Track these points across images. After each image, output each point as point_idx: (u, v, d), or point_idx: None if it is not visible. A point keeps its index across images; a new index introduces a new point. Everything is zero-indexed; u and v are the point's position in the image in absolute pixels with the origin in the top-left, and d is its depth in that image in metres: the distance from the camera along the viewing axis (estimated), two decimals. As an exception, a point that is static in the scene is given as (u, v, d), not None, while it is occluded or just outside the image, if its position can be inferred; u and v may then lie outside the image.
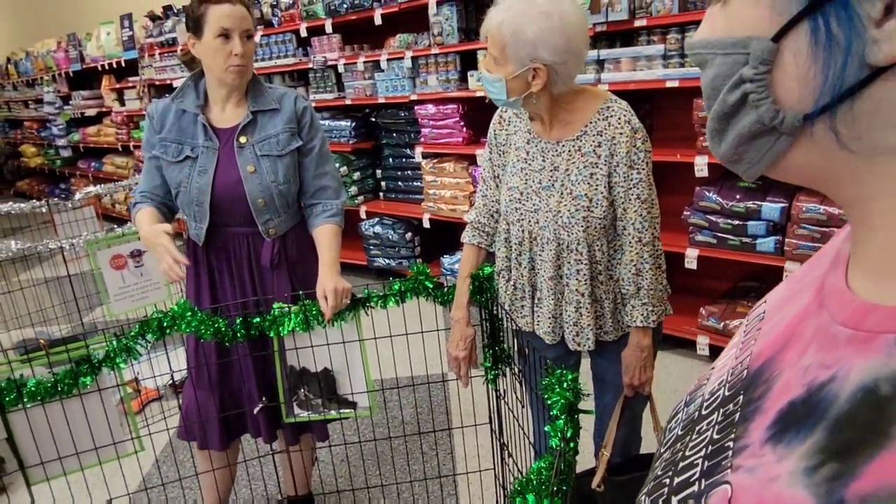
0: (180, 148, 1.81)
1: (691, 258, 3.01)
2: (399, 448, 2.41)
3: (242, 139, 1.81)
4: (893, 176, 0.33)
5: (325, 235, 1.88)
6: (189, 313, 1.72)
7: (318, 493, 2.23)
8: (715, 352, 3.02)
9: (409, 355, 1.92)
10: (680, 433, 0.47)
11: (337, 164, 4.55)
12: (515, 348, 1.73)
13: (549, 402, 1.17)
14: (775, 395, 0.38)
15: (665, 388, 2.84)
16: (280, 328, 1.80)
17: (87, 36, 6.86)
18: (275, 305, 1.80)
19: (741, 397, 0.42)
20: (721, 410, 0.43)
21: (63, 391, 1.62)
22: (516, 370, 1.75)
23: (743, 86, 0.36)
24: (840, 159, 0.34)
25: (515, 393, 1.76)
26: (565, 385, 1.17)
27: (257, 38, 4.73)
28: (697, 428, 0.45)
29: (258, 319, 1.80)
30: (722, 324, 3.01)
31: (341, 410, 1.95)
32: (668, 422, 0.54)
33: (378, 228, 4.55)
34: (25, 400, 1.60)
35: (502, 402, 1.85)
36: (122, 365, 1.66)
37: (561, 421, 1.14)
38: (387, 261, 4.59)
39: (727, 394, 0.44)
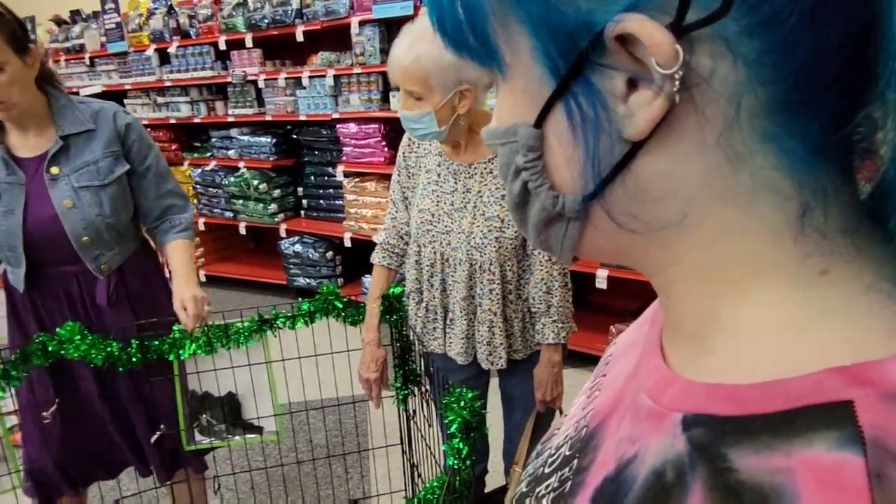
0: None
1: (601, 278, 3.12)
2: (310, 473, 2.35)
3: (54, 170, 1.59)
4: (675, 248, 0.32)
5: (175, 251, 1.76)
6: (78, 336, 1.62)
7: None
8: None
9: (319, 377, 1.89)
10: (524, 490, 0.47)
11: (256, 181, 4.48)
12: (423, 369, 1.73)
13: (446, 420, 1.17)
14: (596, 469, 0.38)
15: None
16: (181, 351, 1.73)
17: None
18: (175, 327, 1.73)
19: (576, 462, 0.41)
20: (559, 474, 0.42)
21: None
22: (425, 390, 1.75)
23: (521, 175, 0.35)
24: (626, 238, 0.33)
25: (424, 413, 1.75)
26: (462, 403, 1.17)
27: (172, 49, 4.58)
28: (538, 491, 0.44)
29: (157, 342, 1.72)
30: (631, 342, 3.12)
31: (247, 436, 1.88)
32: (522, 470, 0.53)
33: (298, 247, 4.47)
34: None
35: (412, 422, 1.84)
36: (1, 393, 1.55)
37: (457, 439, 1.14)
38: (307, 280, 4.50)
39: (567, 454, 0.43)
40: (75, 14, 5.51)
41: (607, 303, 3.47)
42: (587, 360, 3.27)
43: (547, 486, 0.42)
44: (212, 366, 1.77)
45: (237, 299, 4.70)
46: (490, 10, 0.32)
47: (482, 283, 1.58)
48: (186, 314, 1.65)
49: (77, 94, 5.34)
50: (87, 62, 5.25)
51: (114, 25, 4.96)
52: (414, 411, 1.82)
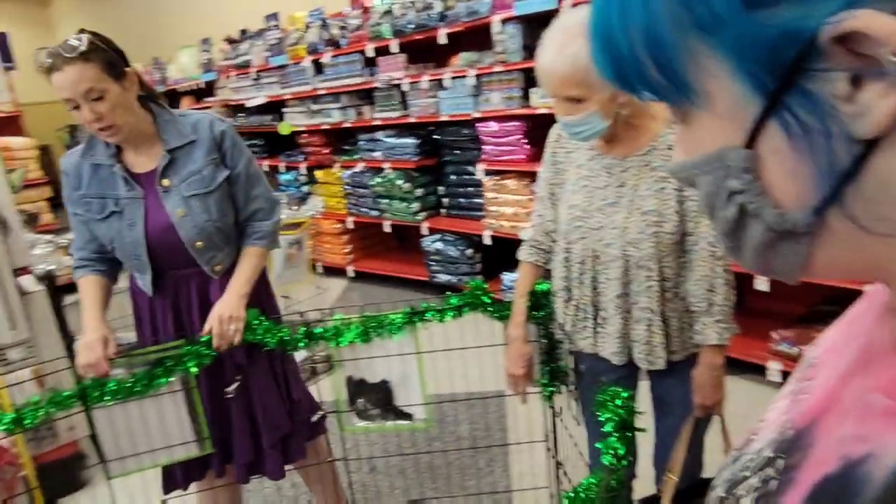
0: (103, 203, 1.70)
1: (762, 280, 2.91)
2: (455, 463, 2.42)
3: (165, 182, 1.70)
4: None
5: (244, 257, 1.82)
6: (256, 321, 1.80)
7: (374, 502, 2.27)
8: (788, 378, 2.89)
9: (466, 370, 1.94)
10: (722, 494, 0.46)
11: (400, 181, 4.68)
12: (571, 366, 1.72)
13: (601, 418, 1.16)
14: (810, 467, 0.36)
15: (733, 415, 2.74)
16: (340, 339, 1.86)
17: (169, 59, 7.28)
18: (335, 316, 1.86)
19: (781, 461, 0.40)
20: (760, 474, 0.41)
21: (140, 391, 1.73)
22: (572, 388, 1.74)
23: (735, 198, 0.34)
24: (872, 244, 0.31)
25: (571, 411, 1.74)
26: (618, 402, 1.16)
27: (325, 59, 4.91)
28: (736, 492, 0.43)
29: (320, 330, 1.86)
30: (796, 349, 2.88)
31: (398, 422, 1.98)
32: (715, 477, 0.53)
33: (440, 244, 4.61)
34: (107, 398, 1.71)
35: (558, 420, 1.84)
36: (193, 369, 1.75)
37: (613, 438, 1.13)
38: (448, 276, 4.63)
39: (769, 454, 0.42)
40: (243, 33, 6.08)
41: (767, 307, 3.23)
42: (743, 368, 3.07)
43: (747, 487, 0.41)
44: (367, 354, 1.89)
45: (382, 294, 4.94)
46: (678, 45, 0.31)
47: (638, 280, 1.54)
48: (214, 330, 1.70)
49: (244, 105, 5.89)
50: (253, 76, 5.76)
51: (275, 41, 5.41)
52: (560, 409, 1.81)
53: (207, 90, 6.59)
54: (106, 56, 1.56)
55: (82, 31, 1.58)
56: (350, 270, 5.36)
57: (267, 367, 1.89)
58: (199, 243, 1.73)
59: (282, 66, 5.41)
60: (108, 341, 1.67)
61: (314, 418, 2.00)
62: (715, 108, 0.32)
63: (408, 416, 1.98)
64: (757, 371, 3.03)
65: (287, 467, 1.97)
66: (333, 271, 5.44)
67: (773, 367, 2.95)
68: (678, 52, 0.32)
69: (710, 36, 0.30)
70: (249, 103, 5.78)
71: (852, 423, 0.35)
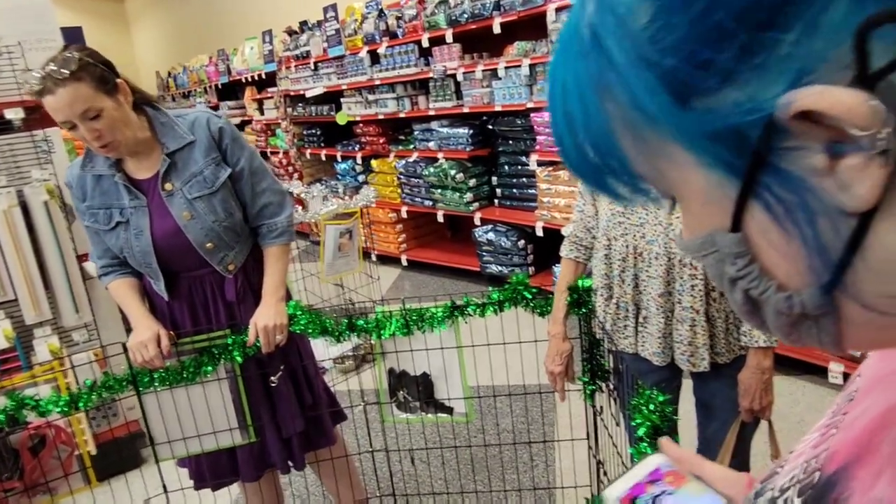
0: (109, 214, 1.69)
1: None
2: (497, 456, 2.41)
3: (168, 186, 1.68)
4: None
5: (269, 259, 1.82)
6: (299, 312, 1.83)
7: (414, 493, 2.28)
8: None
9: (507, 364, 1.92)
10: None
11: (453, 171, 4.66)
12: (611, 365, 1.67)
13: (633, 423, 1.12)
14: None
15: (790, 417, 2.62)
16: (382, 331, 1.87)
17: (233, 51, 7.49)
18: (377, 308, 1.87)
19: None
20: None
21: (187, 378, 1.79)
22: (612, 388, 1.69)
23: (737, 284, 0.31)
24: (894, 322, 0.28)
25: (611, 411, 1.70)
26: (652, 407, 1.11)
27: (382, 49, 4.93)
28: None
29: (362, 322, 1.88)
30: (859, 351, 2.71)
31: (438, 414, 1.98)
32: None
33: (491, 235, 4.58)
34: (156, 384, 1.77)
35: (599, 419, 1.79)
36: (238, 358, 1.80)
37: (645, 444, 1.08)
38: (499, 267, 4.60)
39: (795, 500, 0.38)
40: (303, 24, 6.18)
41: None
42: (803, 369, 2.93)
43: None
44: (408, 346, 1.89)
45: (434, 283, 4.95)
46: (630, 149, 0.30)
47: (682, 278, 1.47)
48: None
49: (303, 95, 5.99)
50: (312, 66, 5.86)
51: (333, 32, 5.47)
52: (601, 408, 1.77)
53: (269, 80, 6.74)
54: (96, 72, 1.51)
55: (67, 48, 1.54)
56: (403, 259, 5.40)
57: (283, 362, 1.90)
58: (209, 245, 1.72)
59: (339, 57, 5.48)
60: (161, 337, 1.71)
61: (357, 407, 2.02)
62: (694, 197, 0.31)
63: (448, 409, 1.98)
64: (818, 372, 2.90)
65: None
66: (387, 260, 5.50)
67: (835, 369, 2.81)
68: (630, 158, 0.31)
69: (664, 131, 0.28)
70: (308, 93, 5.88)
71: (887, 484, 0.31)
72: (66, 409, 1.67)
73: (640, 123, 0.30)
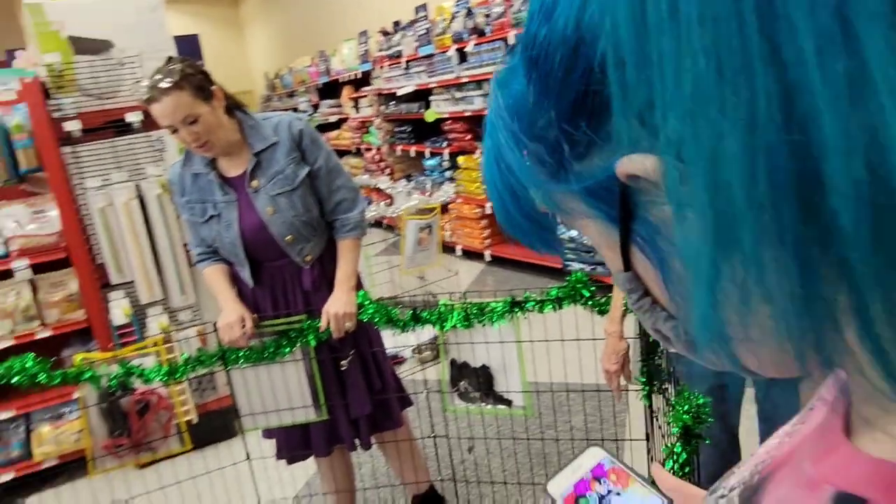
0: (204, 208, 1.88)
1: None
2: (565, 452, 2.45)
3: (254, 183, 1.84)
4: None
5: (342, 251, 1.96)
6: (367, 302, 1.96)
7: (474, 480, 2.37)
8: None
9: (565, 361, 1.96)
10: None
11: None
12: (670, 367, 1.68)
13: (668, 421, 1.15)
14: None
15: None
16: (444, 323, 1.97)
17: (333, 52, 7.85)
18: (441, 301, 1.98)
19: None
20: None
21: (268, 357, 1.97)
22: (667, 389, 1.69)
23: (643, 317, 0.35)
24: (767, 350, 0.30)
25: (667, 412, 1.70)
26: (687, 407, 1.14)
27: (469, 47, 5.02)
28: None
29: (426, 313, 1.99)
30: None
31: (497, 406, 2.06)
32: None
33: (574, 232, 4.56)
34: (241, 361, 1.97)
35: (655, 420, 1.80)
36: (312, 341, 1.96)
37: (677, 443, 1.11)
38: (581, 265, 4.58)
39: (735, 500, 0.40)
40: (396, 25, 6.39)
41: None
42: None
43: None
44: (469, 339, 1.98)
45: (516, 279, 5.00)
46: (534, 194, 0.36)
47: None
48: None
49: (395, 94, 6.20)
50: (404, 65, 6.05)
51: (424, 31, 5.62)
52: (658, 409, 1.78)
53: (364, 80, 7.02)
54: (195, 81, 1.70)
55: (171, 60, 1.74)
56: (487, 255, 5.49)
57: (353, 348, 2.04)
58: (288, 237, 1.88)
59: (429, 56, 5.63)
60: (245, 319, 1.90)
61: (420, 394, 2.14)
62: (599, 241, 0.36)
63: (507, 402, 2.05)
64: None
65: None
66: (471, 255, 5.60)
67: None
68: (555, 210, 0.36)
69: (561, 188, 0.34)
70: (400, 91, 6.08)
71: (786, 487, 0.35)
72: (165, 378, 1.90)
73: (545, 184, 0.35)
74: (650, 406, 1.82)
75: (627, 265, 0.34)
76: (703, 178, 0.24)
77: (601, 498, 0.58)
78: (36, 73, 2.71)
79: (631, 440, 1.96)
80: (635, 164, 0.28)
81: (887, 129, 0.20)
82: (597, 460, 0.60)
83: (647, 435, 1.90)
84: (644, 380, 1.80)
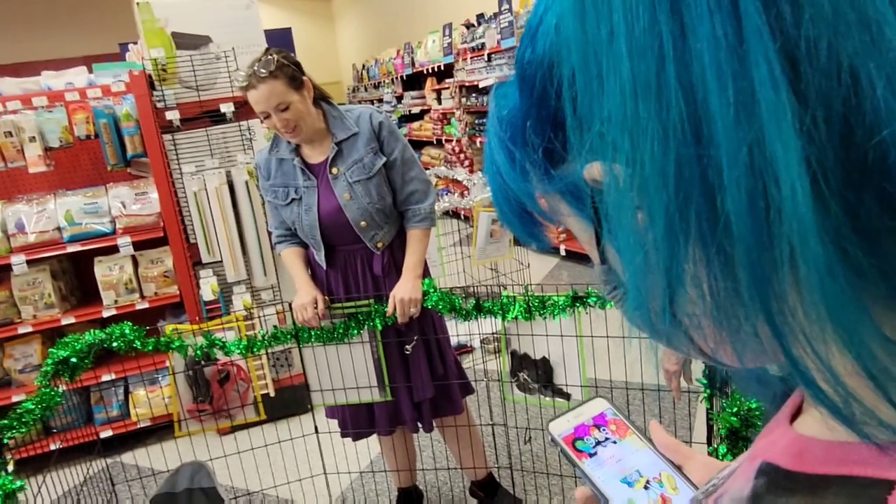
0: (287, 191, 1.99)
1: None
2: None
3: (334, 170, 1.95)
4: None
5: (411, 240, 2.03)
6: (432, 290, 2.04)
7: (530, 470, 2.40)
8: None
9: (626, 359, 1.96)
10: None
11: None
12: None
13: (714, 423, 1.15)
14: None
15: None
16: (507, 314, 2.02)
17: (418, 44, 7.98)
18: (503, 293, 2.02)
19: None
20: None
21: (337, 338, 2.09)
22: (727, 393, 1.67)
23: (619, 305, 0.38)
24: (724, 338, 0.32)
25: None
26: (735, 409, 1.13)
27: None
28: None
29: (488, 304, 2.04)
30: None
31: (556, 399, 2.08)
32: None
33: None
34: (313, 340, 2.10)
35: (713, 423, 1.77)
36: (378, 325, 2.06)
37: (722, 445, 1.11)
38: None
39: (713, 493, 0.44)
40: (480, 17, 6.42)
41: None
42: None
43: None
44: (530, 331, 2.02)
45: (590, 275, 4.95)
46: (527, 199, 0.40)
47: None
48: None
49: (477, 86, 6.24)
50: (486, 58, 6.08)
51: (507, 24, 5.63)
52: (717, 412, 1.75)
53: (447, 72, 7.10)
54: (289, 71, 1.83)
55: (268, 51, 1.87)
56: (562, 249, 5.46)
57: (418, 333, 2.11)
58: (362, 223, 1.98)
59: (511, 48, 5.62)
60: (318, 301, 2.02)
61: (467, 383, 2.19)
62: (581, 237, 0.40)
63: (566, 396, 2.07)
64: None
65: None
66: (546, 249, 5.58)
67: None
68: (534, 199, 0.40)
69: (552, 187, 0.38)
70: (482, 84, 6.12)
71: (738, 477, 0.38)
72: (243, 351, 2.05)
73: (530, 187, 0.40)
74: (711, 408, 1.79)
75: (603, 258, 0.37)
76: (628, 181, 0.29)
77: (597, 443, 0.61)
78: (143, 66, 2.95)
79: (692, 443, 1.93)
80: (592, 169, 0.33)
81: (766, 138, 0.24)
82: (600, 410, 0.64)
83: (709, 438, 1.87)
84: (706, 382, 1.77)
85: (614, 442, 0.61)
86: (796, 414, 0.39)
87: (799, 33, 0.24)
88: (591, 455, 0.60)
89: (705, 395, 1.79)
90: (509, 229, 0.45)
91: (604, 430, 0.62)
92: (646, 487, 0.58)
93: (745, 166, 0.25)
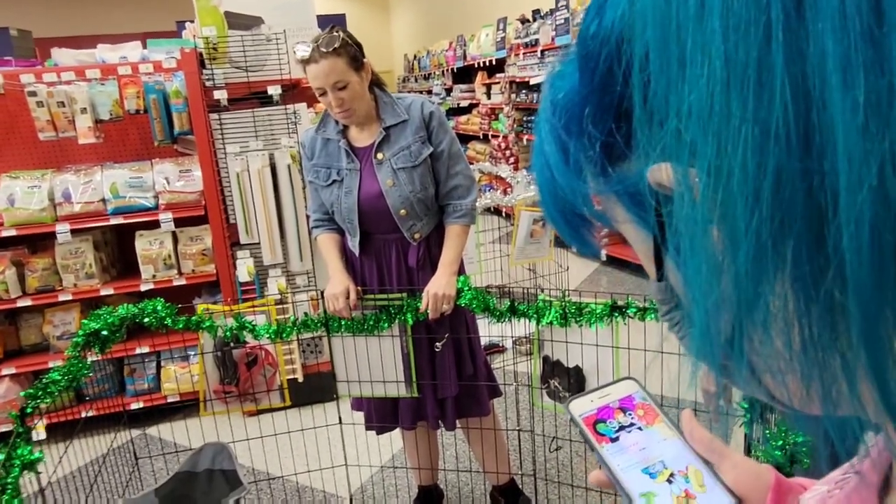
0: (329, 172, 1.97)
1: None
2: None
3: (379, 155, 1.92)
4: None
5: (450, 235, 1.99)
6: (466, 288, 1.98)
7: (555, 481, 2.33)
8: None
9: (662, 373, 1.87)
10: None
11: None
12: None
13: (754, 453, 1.07)
14: None
15: None
16: (542, 318, 1.95)
17: (471, 37, 7.91)
18: (539, 297, 1.95)
19: None
20: None
21: (367, 329, 2.05)
22: (772, 420, 1.57)
23: (674, 330, 0.34)
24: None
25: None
26: (780, 443, 1.05)
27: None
28: None
29: (523, 306, 1.97)
30: None
31: (587, 410, 2.00)
32: None
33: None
34: (343, 330, 2.07)
35: (754, 449, 1.67)
36: (410, 319, 2.01)
37: (764, 482, 1.03)
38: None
39: None
40: (535, 13, 6.31)
41: None
42: None
43: None
44: (565, 338, 1.94)
45: (631, 283, 4.83)
46: (587, 198, 0.35)
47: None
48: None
49: (527, 82, 6.14)
50: (539, 54, 5.97)
51: (563, 21, 5.51)
52: (758, 439, 1.65)
53: (498, 67, 7.01)
54: (351, 51, 1.82)
55: (333, 28, 1.84)
56: (603, 254, 5.33)
57: (449, 331, 2.06)
58: (402, 211, 1.94)
59: (565, 46, 5.51)
60: (350, 292, 1.99)
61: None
62: (639, 250, 0.34)
63: (597, 407, 2.00)
64: None
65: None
66: (586, 252, 5.46)
67: None
68: (589, 203, 0.35)
69: (609, 188, 0.33)
70: (533, 80, 6.02)
71: None
72: (272, 336, 2.04)
73: (583, 185, 0.34)
74: (749, 434, 1.70)
75: (661, 275, 0.32)
76: (708, 194, 0.23)
77: (621, 427, 0.56)
78: (195, 44, 2.97)
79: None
80: (661, 172, 0.27)
81: None
82: (629, 392, 0.59)
83: (746, 465, 1.77)
84: (746, 405, 1.67)
85: (640, 428, 0.56)
86: (885, 484, 0.33)
87: None
88: (612, 440, 0.55)
89: (745, 419, 1.69)
90: (555, 229, 0.39)
91: (630, 413, 0.57)
92: (669, 481, 0.53)
93: (870, 191, 0.19)
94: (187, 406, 2.98)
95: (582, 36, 0.32)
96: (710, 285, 0.25)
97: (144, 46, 3.22)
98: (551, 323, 1.93)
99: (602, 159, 0.32)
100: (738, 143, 0.21)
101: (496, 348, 3.72)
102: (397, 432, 2.26)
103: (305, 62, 1.81)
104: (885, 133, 0.18)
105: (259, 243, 3.11)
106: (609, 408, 0.57)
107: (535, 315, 1.96)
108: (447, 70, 8.82)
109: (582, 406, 0.57)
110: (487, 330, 2.33)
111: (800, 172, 0.20)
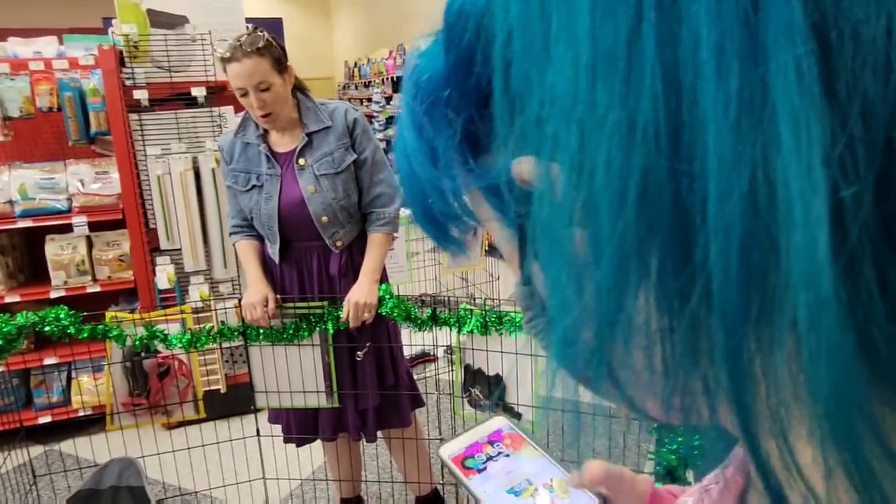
0: (248, 177, 1.93)
1: None
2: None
3: (301, 161, 1.89)
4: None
5: (372, 244, 1.98)
6: (388, 296, 1.97)
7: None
8: None
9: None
10: None
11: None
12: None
13: (650, 458, 1.09)
14: None
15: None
16: (463, 327, 1.95)
17: (411, 47, 7.94)
18: (461, 305, 1.96)
19: None
20: None
21: (287, 339, 2.00)
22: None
23: (543, 341, 0.31)
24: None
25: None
26: (674, 447, 1.08)
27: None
28: None
29: (445, 315, 1.97)
30: None
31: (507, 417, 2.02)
32: None
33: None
34: (261, 339, 2.01)
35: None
36: (330, 328, 1.98)
37: (658, 483, 1.06)
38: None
39: None
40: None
41: None
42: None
43: None
44: (485, 346, 1.95)
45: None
46: (454, 191, 0.32)
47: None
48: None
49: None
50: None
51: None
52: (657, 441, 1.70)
53: (437, 77, 7.05)
54: (276, 53, 1.79)
55: (256, 28, 1.82)
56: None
57: (370, 340, 2.04)
58: (324, 218, 1.91)
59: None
60: (269, 300, 1.94)
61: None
62: (504, 249, 0.32)
63: (517, 415, 2.01)
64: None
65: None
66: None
67: None
68: (455, 198, 0.32)
69: (475, 182, 0.30)
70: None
71: None
72: (185, 346, 1.96)
73: (440, 178, 0.31)
74: (660, 439, 1.75)
75: (526, 279, 0.29)
76: (570, 192, 0.21)
77: (489, 458, 0.60)
78: (114, 41, 2.85)
79: (641, 471, 1.88)
80: (522, 167, 0.25)
81: (779, 161, 0.16)
82: (497, 427, 0.63)
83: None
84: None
85: (507, 455, 0.60)
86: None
87: (839, 8, 0.16)
88: (479, 471, 0.59)
89: (654, 425, 1.74)
90: (420, 227, 0.36)
91: (497, 445, 0.61)
92: (533, 496, 0.57)
93: (741, 199, 0.17)
94: (101, 420, 2.83)
95: (447, 8, 0.29)
96: (570, 295, 0.23)
97: (61, 42, 3.07)
98: (472, 331, 1.94)
99: (464, 150, 0.29)
100: (603, 135, 0.19)
101: (427, 357, 3.71)
102: (319, 445, 2.21)
103: (227, 61, 1.77)
104: (758, 134, 0.17)
105: (180, 249, 3.00)
106: (478, 444, 0.61)
107: (456, 323, 1.96)
108: (387, 78, 8.81)
109: (452, 448, 0.61)
110: (422, 339, 2.32)
111: (668, 173, 0.18)
